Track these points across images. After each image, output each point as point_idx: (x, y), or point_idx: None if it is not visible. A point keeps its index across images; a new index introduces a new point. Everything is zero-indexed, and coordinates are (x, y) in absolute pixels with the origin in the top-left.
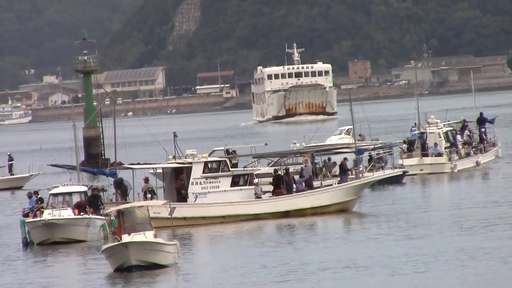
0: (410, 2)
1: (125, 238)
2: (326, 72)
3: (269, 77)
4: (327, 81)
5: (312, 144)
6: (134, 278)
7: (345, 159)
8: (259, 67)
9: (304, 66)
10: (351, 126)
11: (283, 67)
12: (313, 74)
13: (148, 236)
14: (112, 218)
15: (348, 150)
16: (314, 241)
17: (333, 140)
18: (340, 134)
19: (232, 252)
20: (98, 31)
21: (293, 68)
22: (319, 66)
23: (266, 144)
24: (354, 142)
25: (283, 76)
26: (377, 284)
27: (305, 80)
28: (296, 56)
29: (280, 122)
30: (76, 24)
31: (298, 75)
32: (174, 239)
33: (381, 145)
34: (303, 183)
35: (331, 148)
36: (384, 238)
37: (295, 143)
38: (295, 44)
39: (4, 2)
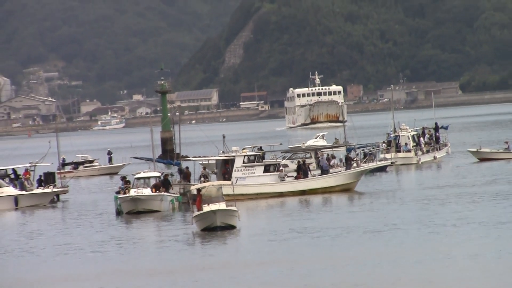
0: (391, 44)
1: (206, 208)
2: (339, 92)
3: (298, 95)
4: (339, 98)
5: (296, 145)
6: (208, 235)
7: (349, 152)
8: (291, 89)
9: (323, 87)
10: (326, 133)
11: (308, 89)
12: (330, 93)
13: (221, 206)
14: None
15: (341, 149)
16: (329, 211)
17: (310, 142)
18: (316, 138)
19: (268, 217)
20: (172, 64)
21: (315, 89)
22: (334, 88)
23: (281, 144)
24: (340, 143)
25: (308, 95)
26: (374, 240)
27: (324, 98)
28: (317, 81)
29: (306, 127)
30: (156, 59)
31: (319, 94)
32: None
33: (365, 144)
34: (324, 167)
35: (330, 147)
36: (376, 208)
37: (303, 143)
38: (316, 72)
39: (105, 42)
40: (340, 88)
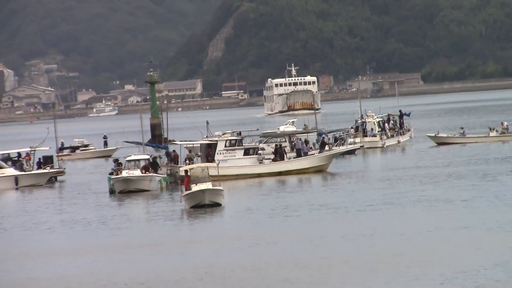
0: (358, 39)
1: (194, 187)
2: (313, 82)
3: (276, 85)
4: (313, 88)
5: (269, 131)
6: (194, 212)
7: (323, 137)
8: (269, 79)
9: (299, 78)
10: (295, 119)
11: (285, 79)
12: (305, 83)
13: (209, 186)
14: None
15: (312, 134)
16: (303, 190)
17: (281, 128)
18: (286, 125)
19: (249, 196)
20: (160, 57)
21: (291, 79)
22: (308, 78)
23: (257, 129)
24: (309, 129)
25: (285, 84)
26: (343, 216)
27: (299, 87)
28: (293, 72)
29: (283, 114)
30: (146, 53)
31: (295, 84)
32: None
33: (336, 130)
34: (303, 149)
35: (302, 132)
36: (346, 186)
37: (278, 129)
38: (293, 64)
39: (99, 38)
40: (314, 78)
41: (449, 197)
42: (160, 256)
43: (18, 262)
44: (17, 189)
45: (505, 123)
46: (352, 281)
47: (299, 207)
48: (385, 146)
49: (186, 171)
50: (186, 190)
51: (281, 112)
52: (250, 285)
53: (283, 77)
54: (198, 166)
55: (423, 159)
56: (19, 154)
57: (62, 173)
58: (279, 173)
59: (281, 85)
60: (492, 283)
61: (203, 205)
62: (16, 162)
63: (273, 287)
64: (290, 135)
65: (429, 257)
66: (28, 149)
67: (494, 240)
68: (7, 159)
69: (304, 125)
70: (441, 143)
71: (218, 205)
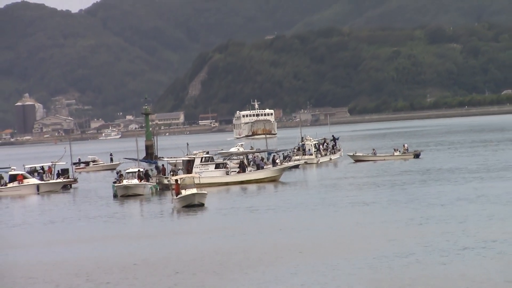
0: (301, 81)
1: (183, 192)
2: (271, 114)
3: (243, 116)
4: (271, 118)
5: (223, 151)
6: (185, 211)
7: (274, 156)
8: (238, 111)
9: (260, 110)
10: (244, 143)
11: (250, 111)
12: (265, 114)
13: (195, 190)
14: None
15: (262, 153)
16: (261, 194)
17: (233, 149)
18: (236, 147)
19: (221, 199)
20: (152, 94)
21: (255, 111)
22: (267, 110)
23: (222, 149)
24: (254, 149)
25: (250, 115)
26: (291, 216)
27: (261, 117)
28: (256, 106)
29: (248, 138)
30: (142, 91)
31: (257, 115)
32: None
33: (281, 149)
34: (260, 165)
35: (255, 152)
36: (292, 192)
37: (238, 149)
38: (256, 100)
39: (107, 79)
40: (272, 111)
41: (367, 200)
42: (153, 244)
43: (43, 248)
44: (38, 194)
45: (406, 145)
46: (272, 264)
47: (258, 207)
48: (319, 162)
49: (176, 180)
50: (177, 194)
51: (247, 136)
52: (228, 264)
53: (247, 109)
54: (187, 176)
55: (347, 172)
56: (42, 168)
57: (75, 181)
58: (242, 182)
59: (247, 115)
60: (399, 267)
61: (193, 205)
62: (41, 173)
63: (233, 267)
64: (247, 153)
65: (349, 245)
66: (50, 164)
67: (401, 232)
68: (34, 171)
69: (251, 147)
70: (358, 160)
71: (203, 205)
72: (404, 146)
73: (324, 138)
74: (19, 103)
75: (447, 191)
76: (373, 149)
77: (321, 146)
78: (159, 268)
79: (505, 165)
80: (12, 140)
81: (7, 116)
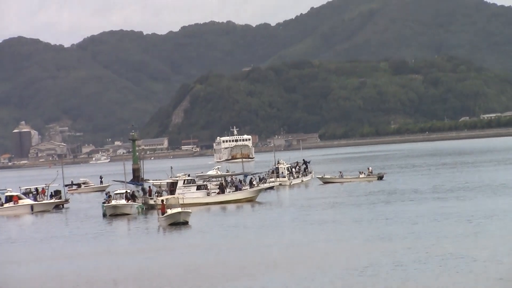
0: (276, 110)
1: (169, 211)
2: (249, 139)
3: (223, 141)
4: (249, 143)
5: (201, 174)
6: (170, 229)
7: (251, 178)
8: (218, 137)
9: (239, 136)
10: (219, 166)
11: (229, 137)
12: (243, 140)
13: (179, 209)
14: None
15: (240, 175)
16: (240, 213)
17: (210, 172)
18: (213, 170)
19: (203, 218)
20: (139, 122)
21: (234, 137)
22: (245, 136)
23: (202, 172)
24: (230, 172)
25: (229, 141)
26: (267, 233)
27: (239, 143)
28: (235, 132)
29: (228, 162)
30: (129, 119)
31: (236, 140)
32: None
33: (257, 172)
34: (238, 186)
35: (232, 174)
36: (268, 211)
37: (216, 172)
38: (235, 127)
39: (97, 108)
40: (249, 136)
41: (335, 218)
42: (140, 258)
43: (34, 264)
44: (32, 213)
45: (370, 168)
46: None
47: (237, 225)
48: (291, 184)
49: (162, 200)
50: (163, 213)
51: (226, 160)
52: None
53: (226, 135)
54: (171, 197)
55: (317, 193)
56: (36, 189)
57: (66, 202)
58: (222, 202)
59: (227, 141)
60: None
61: (178, 223)
62: (35, 194)
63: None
64: (225, 176)
65: (323, 259)
66: (43, 185)
67: (366, 247)
68: (29, 192)
69: (227, 170)
70: (326, 182)
71: (187, 223)
72: (368, 169)
73: (297, 162)
74: (16, 130)
75: (408, 210)
76: (340, 172)
77: (293, 169)
78: (144, 280)
79: (462, 186)
80: (10, 164)
81: (5, 142)
